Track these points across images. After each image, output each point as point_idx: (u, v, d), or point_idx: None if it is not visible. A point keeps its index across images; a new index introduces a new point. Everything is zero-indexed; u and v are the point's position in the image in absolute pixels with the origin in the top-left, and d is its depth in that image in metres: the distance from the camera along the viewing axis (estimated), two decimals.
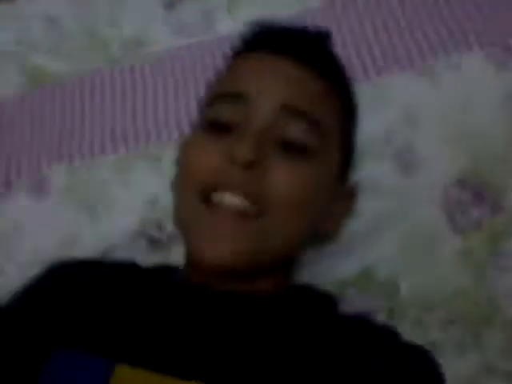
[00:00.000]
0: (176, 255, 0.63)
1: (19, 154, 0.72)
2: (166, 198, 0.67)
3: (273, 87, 0.49)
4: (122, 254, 0.64)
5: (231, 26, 0.74)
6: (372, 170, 0.64)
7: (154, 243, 0.65)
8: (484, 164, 0.64)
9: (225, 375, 0.42)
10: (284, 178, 0.47)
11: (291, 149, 0.48)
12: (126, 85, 0.74)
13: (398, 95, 0.67)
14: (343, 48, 0.70)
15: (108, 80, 0.75)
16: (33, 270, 0.56)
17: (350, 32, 0.72)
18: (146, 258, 0.63)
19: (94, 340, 0.45)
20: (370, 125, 0.63)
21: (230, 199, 0.47)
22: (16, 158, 0.72)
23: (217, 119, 0.50)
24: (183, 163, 0.53)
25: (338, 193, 0.55)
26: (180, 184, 0.52)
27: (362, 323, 0.49)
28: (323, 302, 0.53)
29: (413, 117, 0.66)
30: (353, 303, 0.62)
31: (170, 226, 0.65)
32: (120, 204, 0.68)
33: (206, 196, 0.48)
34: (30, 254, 0.66)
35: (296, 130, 0.49)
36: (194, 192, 0.49)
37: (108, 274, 0.54)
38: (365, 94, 0.62)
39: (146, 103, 0.73)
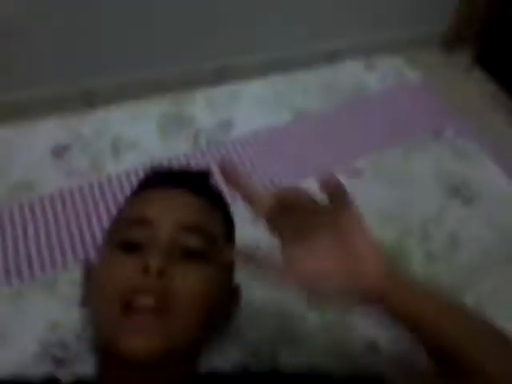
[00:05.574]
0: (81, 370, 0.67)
1: None
2: (67, 318, 0.71)
3: (171, 212, 0.63)
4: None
5: (117, 168, 0.88)
6: None
7: (58, 362, 0.68)
8: None
9: None
10: (186, 283, 0.58)
11: (192, 256, 0.61)
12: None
13: None
14: None
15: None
16: None
17: None
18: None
19: None
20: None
21: (145, 300, 0.56)
22: None
23: (128, 239, 0.61)
24: (101, 278, 0.61)
25: (228, 289, 0.67)
26: (98, 296, 0.61)
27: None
28: None
29: None
30: None
31: (72, 345, 0.69)
32: (19, 333, 0.70)
33: (124, 301, 0.56)
34: None
35: (193, 241, 0.62)
36: (114, 299, 0.57)
37: None
38: None
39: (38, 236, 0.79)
